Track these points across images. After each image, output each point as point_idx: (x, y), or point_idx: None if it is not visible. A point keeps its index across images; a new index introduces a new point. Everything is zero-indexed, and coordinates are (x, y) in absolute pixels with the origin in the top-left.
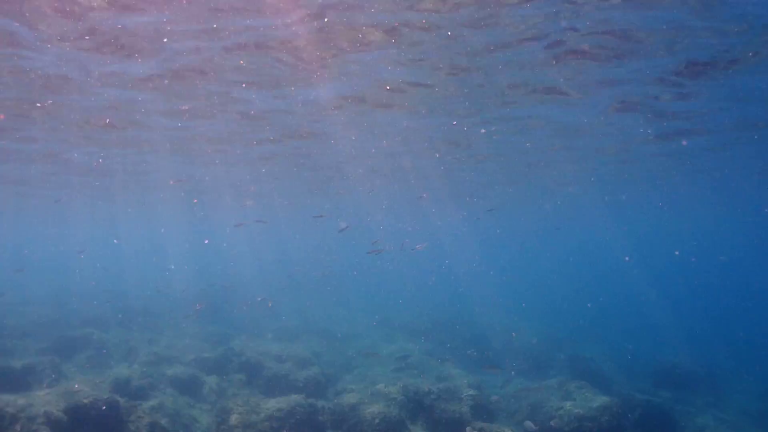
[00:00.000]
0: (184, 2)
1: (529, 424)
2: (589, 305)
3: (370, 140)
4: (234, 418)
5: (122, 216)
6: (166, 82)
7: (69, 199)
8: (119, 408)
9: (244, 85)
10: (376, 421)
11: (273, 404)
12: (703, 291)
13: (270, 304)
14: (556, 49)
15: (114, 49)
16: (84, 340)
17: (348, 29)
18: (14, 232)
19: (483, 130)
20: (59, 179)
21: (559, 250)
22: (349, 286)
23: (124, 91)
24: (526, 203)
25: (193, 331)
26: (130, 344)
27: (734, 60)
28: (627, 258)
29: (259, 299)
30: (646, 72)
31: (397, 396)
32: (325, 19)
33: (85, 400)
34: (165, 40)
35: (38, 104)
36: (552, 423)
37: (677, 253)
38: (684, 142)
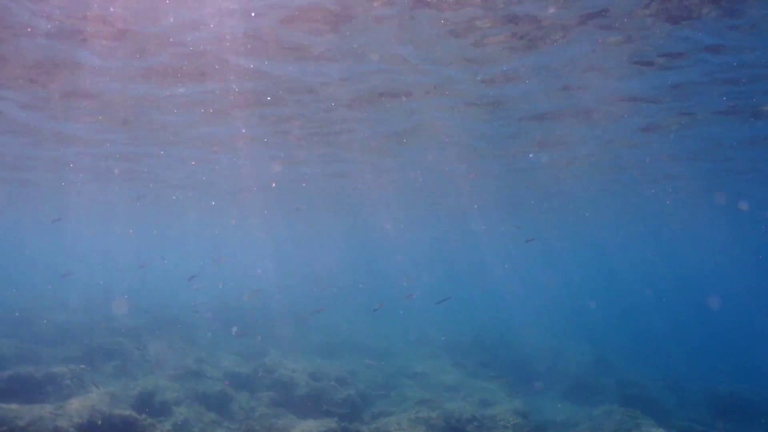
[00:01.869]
0: None
1: None
2: (635, 326)
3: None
4: None
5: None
6: None
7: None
8: (136, 426)
9: None
10: None
11: (303, 427)
12: (759, 315)
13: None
14: None
15: None
16: (113, 350)
17: None
18: (62, 237)
19: None
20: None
21: (607, 271)
22: (388, 301)
23: None
24: (578, 225)
25: (226, 344)
26: (160, 356)
27: None
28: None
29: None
30: None
31: (437, 422)
32: None
33: (100, 417)
34: None
35: None
36: None
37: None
38: None
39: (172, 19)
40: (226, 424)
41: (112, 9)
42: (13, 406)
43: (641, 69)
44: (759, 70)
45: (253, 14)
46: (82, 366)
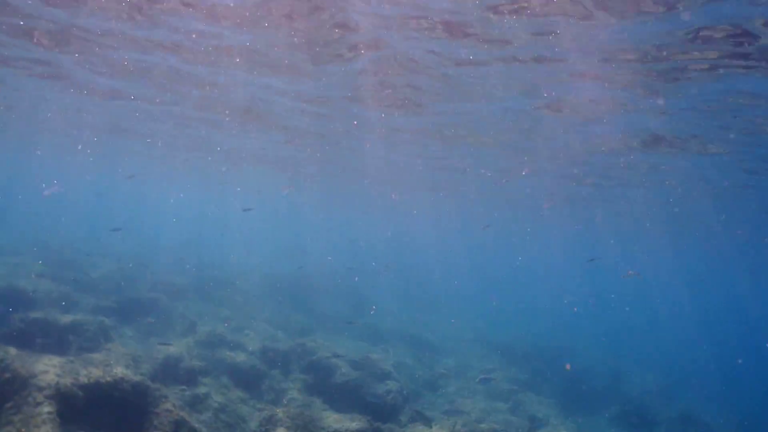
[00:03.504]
0: None
1: None
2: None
3: None
4: None
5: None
6: None
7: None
8: (147, 394)
9: None
10: None
11: (329, 423)
12: None
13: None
14: None
15: None
16: (149, 305)
17: None
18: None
19: None
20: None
21: (681, 294)
22: (448, 292)
23: None
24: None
25: (269, 315)
26: (197, 319)
27: None
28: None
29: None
30: None
31: None
32: None
33: (109, 378)
34: None
35: None
36: None
37: None
38: None
39: None
40: (252, 403)
41: None
42: (11, 350)
43: None
44: None
45: None
46: (111, 320)
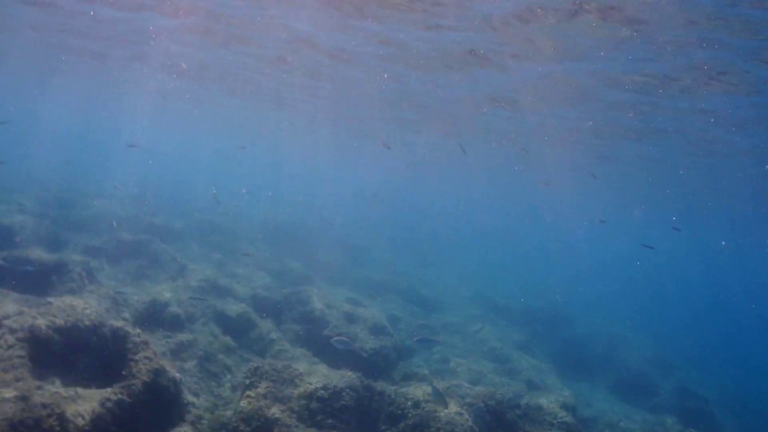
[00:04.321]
0: None
1: None
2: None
3: None
4: (263, 387)
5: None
6: None
7: None
8: (127, 340)
9: None
10: None
11: (318, 379)
12: None
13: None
14: None
15: None
16: (142, 248)
17: None
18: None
19: None
20: None
21: (688, 265)
22: (451, 248)
23: None
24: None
25: (265, 262)
26: (190, 264)
27: None
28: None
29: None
30: None
31: (474, 401)
32: None
33: (87, 323)
34: None
35: None
36: None
37: None
38: None
39: None
40: (240, 353)
41: None
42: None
43: None
44: None
45: None
46: (99, 261)
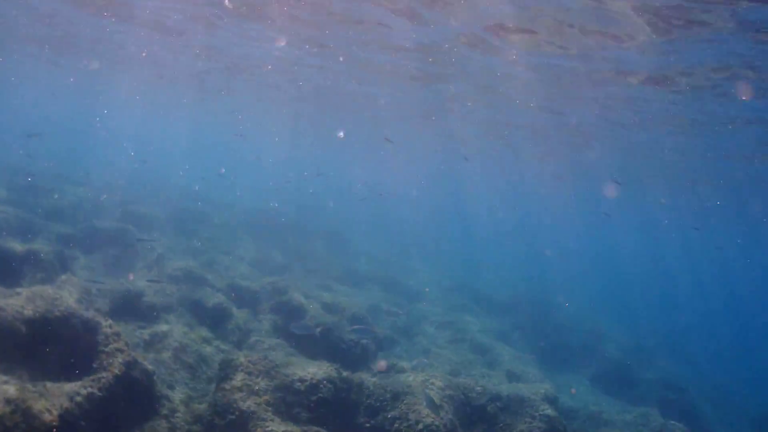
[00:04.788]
0: None
1: None
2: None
3: None
4: (238, 379)
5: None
6: None
7: None
8: (98, 332)
9: None
10: (420, 427)
11: (294, 371)
12: None
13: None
14: None
15: None
16: (117, 236)
17: None
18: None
19: None
20: None
21: (668, 253)
22: (432, 238)
23: None
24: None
25: (245, 252)
26: (167, 252)
27: None
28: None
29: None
30: None
31: (454, 393)
32: None
33: (57, 313)
34: None
35: None
36: None
37: None
38: None
39: None
40: (216, 344)
41: None
42: None
43: None
44: None
45: None
46: (72, 250)
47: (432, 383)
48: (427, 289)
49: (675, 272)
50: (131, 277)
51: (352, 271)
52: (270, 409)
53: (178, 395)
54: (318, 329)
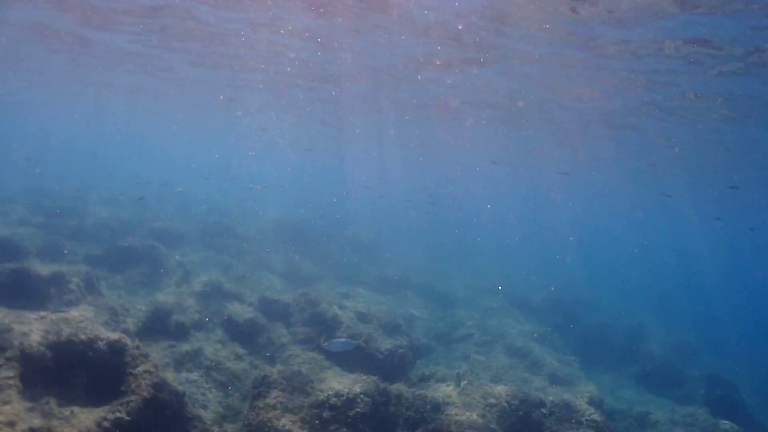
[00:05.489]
0: None
1: None
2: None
3: None
4: (272, 396)
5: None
6: None
7: None
8: (125, 354)
9: None
10: None
11: (330, 386)
12: None
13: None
14: None
15: None
16: (144, 254)
17: None
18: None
19: None
20: None
21: (719, 249)
22: (468, 242)
23: None
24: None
25: (274, 263)
26: (196, 268)
27: None
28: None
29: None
30: None
31: (498, 401)
32: None
33: (82, 337)
34: None
35: None
36: None
37: None
38: None
39: None
40: (249, 359)
41: None
42: None
43: None
44: None
45: None
46: (99, 270)
47: (472, 392)
48: (462, 294)
49: (708, 263)
50: (160, 294)
51: (384, 278)
52: (306, 426)
53: (210, 415)
54: (355, 342)
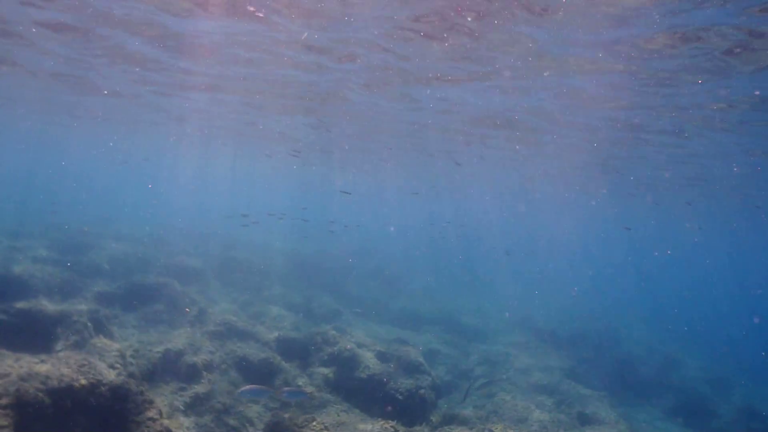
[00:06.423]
0: None
1: None
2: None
3: None
4: None
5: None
6: None
7: None
8: (128, 399)
9: None
10: None
11: (350, 428)
12: None
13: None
14: None
15: None
16: (158, 291)
17: None
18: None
19: None
20: None
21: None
22: (490, 274)
23: None
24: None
25: (291, 299)
26: (209, 305)
27: None
28: None
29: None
30: None
31: None
32: None
33: (83, 382)
34: None
35: None
36: None
37: None
38: None
39: None
40: (263, 402)
41: None
42: None
43: None
44: None
45: None
46: (111, 307)
47: None
48: (485, 327)
49: (730, 286)
50: (172, 334)
51: (406, 313)
52: None
53: None
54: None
